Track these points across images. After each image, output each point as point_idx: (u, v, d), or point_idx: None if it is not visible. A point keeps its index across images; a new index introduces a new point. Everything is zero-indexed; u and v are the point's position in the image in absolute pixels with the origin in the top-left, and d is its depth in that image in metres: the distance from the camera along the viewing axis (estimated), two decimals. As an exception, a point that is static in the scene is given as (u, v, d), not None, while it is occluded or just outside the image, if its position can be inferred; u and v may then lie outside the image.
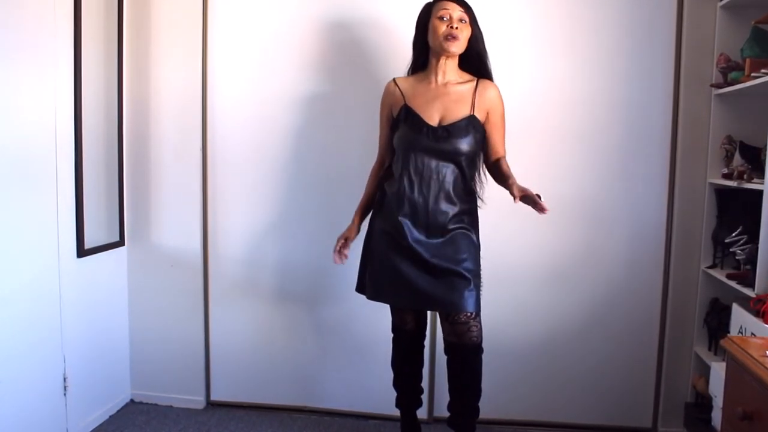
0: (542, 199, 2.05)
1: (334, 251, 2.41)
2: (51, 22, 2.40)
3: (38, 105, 2.37)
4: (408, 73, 2.42)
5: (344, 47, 2.78)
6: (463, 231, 2.27)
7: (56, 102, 2.45)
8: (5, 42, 2.19)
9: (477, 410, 2.37)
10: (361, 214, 2.48)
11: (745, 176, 2.30)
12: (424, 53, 2.33)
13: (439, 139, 2.22)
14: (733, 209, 2.51)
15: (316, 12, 2.79)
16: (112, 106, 2.82)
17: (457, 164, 2.24)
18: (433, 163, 2.23)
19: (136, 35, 2.87)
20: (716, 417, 2.21)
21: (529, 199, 2.08)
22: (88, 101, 2.61)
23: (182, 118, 2.88)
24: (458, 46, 2.24)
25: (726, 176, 2.46)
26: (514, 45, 2.70)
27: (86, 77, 2.59)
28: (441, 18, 2.22)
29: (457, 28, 2.21)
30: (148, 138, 2.91)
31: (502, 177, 2.28)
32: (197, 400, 3.00)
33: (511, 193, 2.13)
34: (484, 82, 2.31)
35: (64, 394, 2.56)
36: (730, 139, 2.52)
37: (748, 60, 2.30)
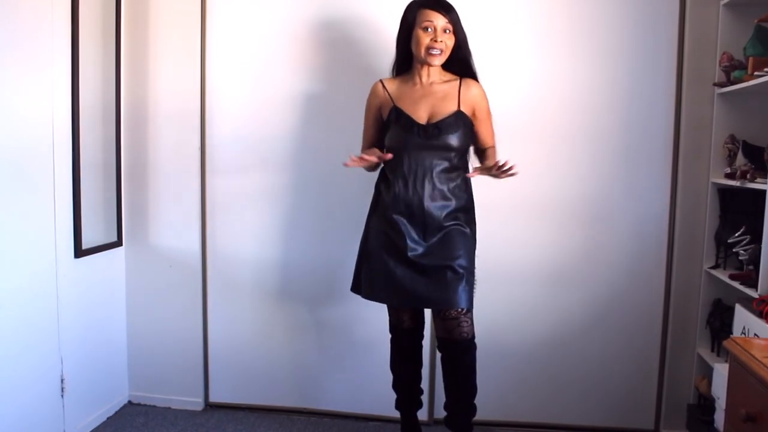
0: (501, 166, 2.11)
1: (357, 156, 2.20)
2: (48, 22, 2.39)
3: (35, 105, 2.36)
4: (392, 72, 2.43)
5: (343, 47, 2.77)
6: (459, 228, 2.28)
7: (54, 101, 2.44)
8: (2, 41, 2.18)
9: (473, 408, 2.37)
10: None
11: (748, 176, 2.28)
12: (408, 55, 2.34)
13: (430, 137, 2.24)
14: (736, 209, 2.49)
15: (314, 12, 2.77)
16: (109, 105, 2.81)
17: (449, 160, 2.26)
18: (426, 161, 2.24)
19: (134, 35, 2.86)
20: (719, 419, 2.19)
21: (493, 168, 2.13)
22: (85, 100, 2.60)
23: (180, 118, 2.86)
24: (440, 59, 2.27)
25: (729, 176, 2.45)
26: (515, 44, 2.69)
27: (84, 76, 2.58)
28: (425, 29, 2.22)
29: (440, 41, 2.22)
30: (146, 137, 2.90)
31: (482, 158, 2.36)
32: (196, 402, 2.98)
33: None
34: (467, 81, 2.33)
35: (62, 396, 2.55)
36: (733, 139, 2.50)
37: (751, 59, 2.29)
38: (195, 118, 2.86)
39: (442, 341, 2.33)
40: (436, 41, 2.22)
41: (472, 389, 2.35)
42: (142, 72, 2.87)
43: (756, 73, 2.21)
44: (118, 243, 2.92)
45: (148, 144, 2.90)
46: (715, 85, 2.56)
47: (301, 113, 2.83)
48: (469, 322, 2.29)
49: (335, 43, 2.78)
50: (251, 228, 2.91)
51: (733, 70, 2.43)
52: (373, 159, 2.22)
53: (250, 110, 2.86)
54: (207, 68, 2.85)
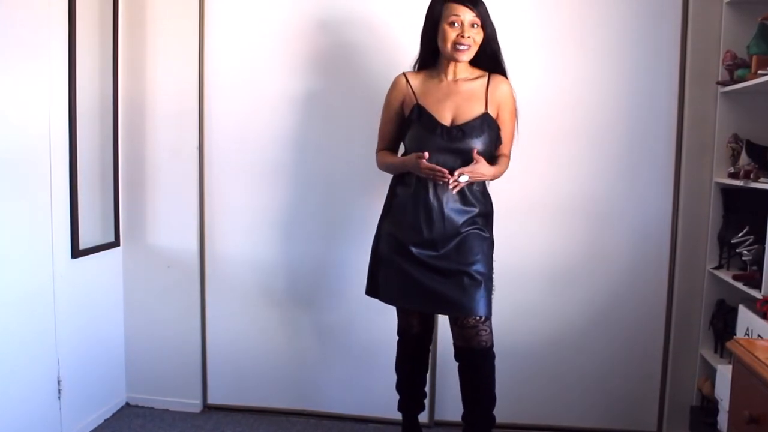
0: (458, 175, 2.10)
1: (440, 172, 2.11)
2: (46, 20, 2.37)
3: (32, 103, 2.34)
4: (414, 68, 2.36)
5: (343, 46, 2.75)
6: (477, 232, 2.21)
7: (50, 100, 2.42)
8: (-1, 41, 2.17)
9: (492, 420, 2.31)
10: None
11: (751, 175, 2.27)
12: (433, 51, 2.26)
13: (454, 139, 2.16)
14: (740, 209, 2.48)
15: (314, 11, 2.75)
16: (107, 104, 2.79)
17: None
18: (448, 164, 2.13)
19: (132, 33, 2.84)
20: (722, 421, 2.18)
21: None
22: (82, 99, 2.58)
23: (178, 117, 2.85)
24: (468, 55, 2.18)
25: (732, 175, 2.43)
26: (518, 43, 2.66)
27: (81, 75, 2.56)
28: (452, 24, 2.14)
29: (468, 36, 2.14)
30: (144, 137, 2.88)
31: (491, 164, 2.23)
32: (194, 404, 2.96)
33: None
34: (496, 78, 2.25)
35: (59, 398, 2.53)
36: (736, 138, 2.48)
37: (754, 57, 2.27)
38: (193, 117, 2.84)
39: (459, 350, 2.27)
40: (463, 36, 2.13)
41: (491, 399, 2.28)
42: (140, 70, 2.85)
43: (759, 71, 2.19)
44: (116, 243, 2.90)
45: (146, 143, 2.88)
46: (718, 83, 2.53)
47: (301, 112, 2.80)
48: (488, 330, 2.22)
49: (336, 42, 2.76)
50: (250, 228, 2.89)
51: (736, 68, 2.41)
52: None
53: (250, 109, 2.83)
54: (205, 66, 2.83)
